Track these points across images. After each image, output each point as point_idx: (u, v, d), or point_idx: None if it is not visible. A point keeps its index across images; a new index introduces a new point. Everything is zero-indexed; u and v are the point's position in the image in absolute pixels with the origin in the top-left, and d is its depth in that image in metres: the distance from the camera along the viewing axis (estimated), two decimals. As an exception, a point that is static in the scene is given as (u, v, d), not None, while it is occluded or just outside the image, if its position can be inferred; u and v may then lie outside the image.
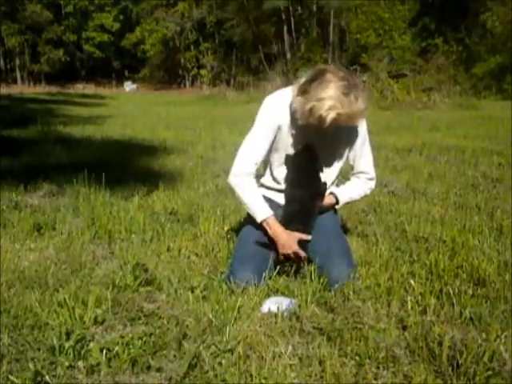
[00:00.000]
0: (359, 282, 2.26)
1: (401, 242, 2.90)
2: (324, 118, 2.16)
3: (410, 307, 2.03)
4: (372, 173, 2.60)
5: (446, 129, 9.45)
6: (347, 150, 2.51)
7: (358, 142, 2.50)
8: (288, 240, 2.35)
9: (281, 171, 2.48)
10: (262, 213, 2.38)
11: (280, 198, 2.51)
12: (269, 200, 2.49)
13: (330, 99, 2.14)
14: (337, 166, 2.52)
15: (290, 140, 2.41)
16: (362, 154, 2.53)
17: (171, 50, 40.50)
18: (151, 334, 1.78)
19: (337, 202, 2.54)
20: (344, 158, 2.52)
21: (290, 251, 2.35)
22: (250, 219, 2.49)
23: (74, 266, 2.48)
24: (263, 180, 2.56)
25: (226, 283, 2.25)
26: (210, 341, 1.76)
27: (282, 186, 2.50)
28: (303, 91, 2.22)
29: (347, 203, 2.64)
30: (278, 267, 2.36)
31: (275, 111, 2.41)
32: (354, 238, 2.96)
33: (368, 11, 28.72)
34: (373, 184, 2.64)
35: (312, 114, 2.18)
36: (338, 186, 2.62)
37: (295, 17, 32.60)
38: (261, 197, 2.44)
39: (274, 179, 2.52)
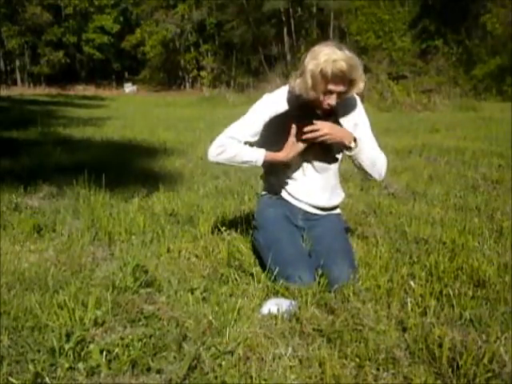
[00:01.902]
0: (359, 283, 2.26)
1: (401, 244, 2.90)
2: (325, 70, 2.25)
3: (410, 309, 2.03)
4: (380, 152, 2.58)
5: (446, 130, 9.45)
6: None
7: (359, 127, 2.54)
8: (289, 152, 2.42)
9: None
10: (259, 155, 2.44)
11: (291, 198, 2.56)
12: (281, 199, 2.55)
13: (324, 55, 2.27)
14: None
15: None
16: (366, 136, 2.55)
17: (171, 51, 40.54)
18: (151, 336, 1.78)
19: (352, 144, 2.43)
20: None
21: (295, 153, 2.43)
22: (265, 219, 2.52)
23: (74, 268, 2.48)
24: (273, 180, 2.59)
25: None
26: (210, 342, 1.76)
27: (294, 183, 2.55)
28: (300, 73, 2.36)
29: (362, 160, 2.48)
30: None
31: (267, 105, 2.51)
32: (354, 240, 2.95)
33: (368, 13, 28.79)
34: (385, 162, 2.56)
35: (313, 77, 2.28)
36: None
37: (295, 18, 32.64)
38: (246, 146, 2.47)
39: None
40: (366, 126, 2.59)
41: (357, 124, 2.54)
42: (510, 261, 2.54)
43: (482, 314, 1.98)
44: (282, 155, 2.43)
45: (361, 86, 2.37)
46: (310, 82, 2.30)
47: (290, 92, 2.49)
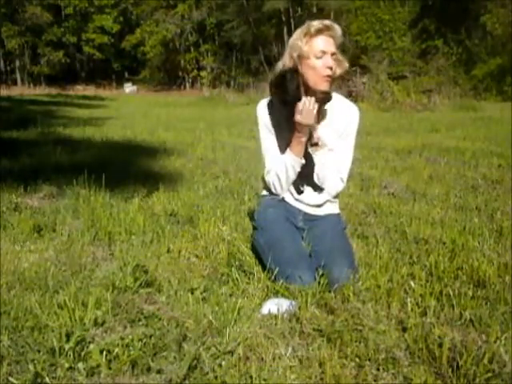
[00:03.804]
0: (359, 283, 2.26)
1: (401, 244, 2.90)
2: (307, 30, 2.35)
3: (410, 309, 2.03)
4: (345, 174, 2.55)
5: (446, 130, 9.46)
6: (331, 139, 2.51)
7: (343, 135, 2.52)
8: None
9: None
10: (289, 158, 2.45)
11: (291, 199, 2.57)
12: (282, 200, 2.56)
13: (299, 29, 2.41)
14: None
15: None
16: (342, 148, 2.53)
17: (171, 51, 40.58)
18: (151, 336, 1.78)
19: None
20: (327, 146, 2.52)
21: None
22: (266, 220, 2.52)
23: (74, 268, 2.48)
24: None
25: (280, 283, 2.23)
26: (209, 342, 1.76)
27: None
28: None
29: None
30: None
31: (262, 113, 2.56)
32: (354, 240, 2.95)
33: (368, 13, 28.82)
34: (340, 187, 2.56)
35: (297, 39, 2.39)
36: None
37: (295, 18, 32.64)
38: (280, 164, 2.48)
39: None
40: (347, 145, 2.55)
41: (340, 136, 2.52)
42: (510, 261, 2.54)
43: (482, 313, 1.98)
44: (300, 133, 2.41)
45: (345, 64, 2.45)
46: (303, 38, 2.37)
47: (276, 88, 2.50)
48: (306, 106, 2.34)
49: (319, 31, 2.34)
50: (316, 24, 2.35)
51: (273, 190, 2.56)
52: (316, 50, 2.35)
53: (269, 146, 2.55)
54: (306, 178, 2.52)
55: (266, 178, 2.56)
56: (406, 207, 3.80)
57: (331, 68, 2.36)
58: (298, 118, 2.35)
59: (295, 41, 2.40)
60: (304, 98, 2.34)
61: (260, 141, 2.60)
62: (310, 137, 2.46)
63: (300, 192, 2.53)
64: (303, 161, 2.46)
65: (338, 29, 2.39)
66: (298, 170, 2.47)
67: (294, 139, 2.44)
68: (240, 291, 2.21)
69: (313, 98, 2.35)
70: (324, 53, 2.35)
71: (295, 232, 2.50)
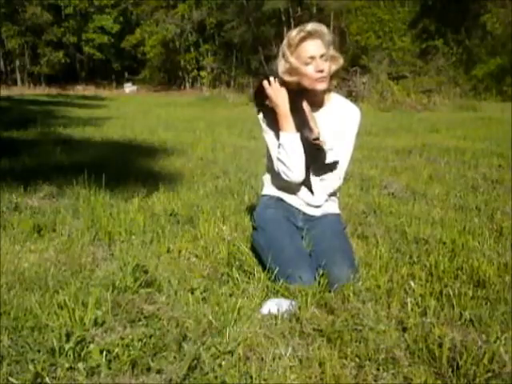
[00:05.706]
0: (359, 283, 2.26)
1: (401, 244, 2.90)
2: (297, 34, 2.36)
3: (410, 309, 2.03)
4: (342, 171, 2.55)
5: (446, 130, 9.46)
6: (331, 138, 2.51)
7: (343, 135, 2.53)
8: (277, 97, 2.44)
9: None
10: (284, 138, 2.44)
11: (290, 199, 2.57)
12: (281, 200, 2.57)
13: (282, 43, 2.44)
14: None
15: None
16: (341, 147, 2.54)
17: (171, 51, 40.55)
18: (151, 336, 1.78)
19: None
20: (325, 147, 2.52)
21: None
22: (265, 220, 2.53)
23: (74, 268, 2.48)
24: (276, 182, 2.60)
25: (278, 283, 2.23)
26: (209, 342, 1.76)
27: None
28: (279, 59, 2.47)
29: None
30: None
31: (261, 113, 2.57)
32: (354, 240, 2.95)
33: (368, 13, 28.84)
34: (336, 184, 2.57)
35: (289, 45, 2.40)
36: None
37: (295, 18, 32.64)
38: (279, 150, 2.48)
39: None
40: (346, 144, 2.56)
41: (340, 136, 2.53)
42: (510, 261, 2.54)
43: (482, 313, 1.98)
44: (279, 112, 2.43)
45: (340, 61, 2.46)
46: (287, 50, 2.38)
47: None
48: (272, 86, 2.41)
49: (302, 39, 2.36)
50: (295, 33, 2.36)
51: (285, 178, 2.47)
52: (303, 57, 2.36)
53: (272, 143, 2.54)
54: (308, 176, 2.51)
55: (276, 170, 2.50)
56: (405, 207, 3.80)
57: (322, 71, 2.38)
58: (268, 91, 2.42)
59: (280, 60, 2.43)
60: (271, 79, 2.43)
61: (264, 140, 2.61)
62: (311, 132, 2.45)
63: (312, 191, 2.52)
64: (298, 133, 2.43)
65: (321, 29, 2.39)
66: (298, 145, 2.42)
67: (279, 118, 2.43)
68: (240, 291, 2.21)
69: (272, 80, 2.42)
70: (312, 58, 2.36)
71: (295, 232, 2.50)
